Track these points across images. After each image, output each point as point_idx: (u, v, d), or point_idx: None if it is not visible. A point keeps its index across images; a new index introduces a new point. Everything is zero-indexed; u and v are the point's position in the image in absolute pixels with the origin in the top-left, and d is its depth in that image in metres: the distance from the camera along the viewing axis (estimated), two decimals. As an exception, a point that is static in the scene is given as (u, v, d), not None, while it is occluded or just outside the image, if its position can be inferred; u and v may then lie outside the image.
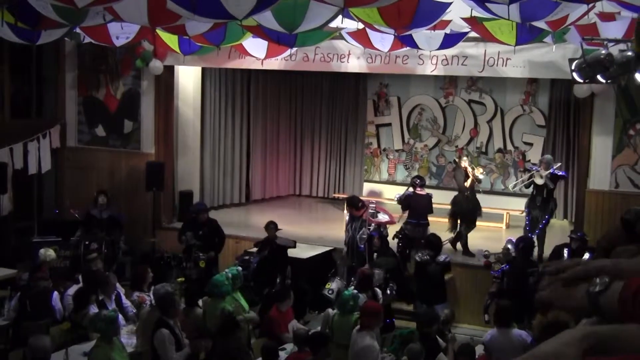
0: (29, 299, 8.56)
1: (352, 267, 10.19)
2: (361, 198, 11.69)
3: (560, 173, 11.42)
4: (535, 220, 11.18)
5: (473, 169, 11.61)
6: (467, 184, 11.58)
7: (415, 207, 11.25)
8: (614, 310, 1.26)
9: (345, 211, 10.94)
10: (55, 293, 8.72)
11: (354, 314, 7.54)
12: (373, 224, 10.52)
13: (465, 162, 11.71)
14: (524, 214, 11.52)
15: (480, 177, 11.59)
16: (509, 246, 9.71)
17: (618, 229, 1.54)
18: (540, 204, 11.16)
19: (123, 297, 8.78)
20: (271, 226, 10.71)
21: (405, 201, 11.40)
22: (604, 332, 1.19)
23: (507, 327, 7.46)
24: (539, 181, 11.06)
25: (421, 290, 10.00)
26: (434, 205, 11.49)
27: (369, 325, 7.10)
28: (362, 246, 10.33)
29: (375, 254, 10.32)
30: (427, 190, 11.68)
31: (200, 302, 8.28)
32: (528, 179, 11.35)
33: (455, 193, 12.01)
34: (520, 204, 13.23)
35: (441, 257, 9.89)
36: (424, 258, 9.88)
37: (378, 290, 8.88)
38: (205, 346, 7.34)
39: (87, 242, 11.48)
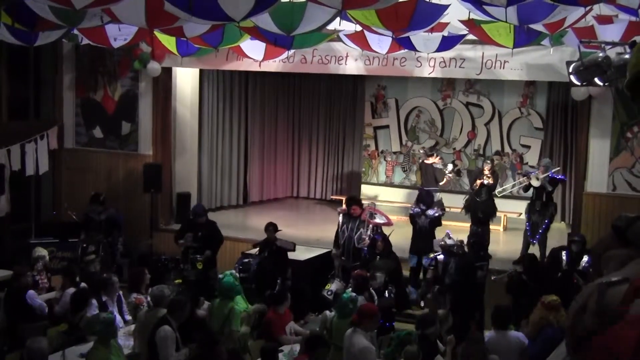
0: (4, 301, 8.54)
1: (349, 268, 10.16)
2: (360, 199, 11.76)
3: (559, 177, 11.42)
4: (535, 225, 11.17)
5: (489, 176, 11.62)
6: (476, 186, 11.67)
7: (424, 174, 12.90)
8: (616, 306, 1.27)
9: (341, 209, 10.92)
10: (31, 292, 8.64)
11: (352, 317, 7.53)
12: (371, 226, 10.52)
13: (486, 166, 11.80)
14: (525, 218, 11.51)
15: (485, 181, 11.57)
16: (447, 240, 10.03)
17: (611, 236, 1.54)
18: (540, 209, 11.15)
19: (123, 301, 8.80)
20: (270, 228, 10.68)
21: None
22: None
23: (504, 329, 7.47)
24: (535, 183, 11.06)
25: (412, 242, 10.96)
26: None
27: (360, 324, 7.08)
28: (366, 249, 10.31)
29: (378, 257, 10.31)
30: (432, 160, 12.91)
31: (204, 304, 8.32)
32: (522, 183, 11.38)
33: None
34: (517, 206, 13.25)
35: (430, 212, 10.85)
36: (415, 210, 10.96)
37: (373, 292, 8.87)
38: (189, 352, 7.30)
39: (85, 245, 11.47)
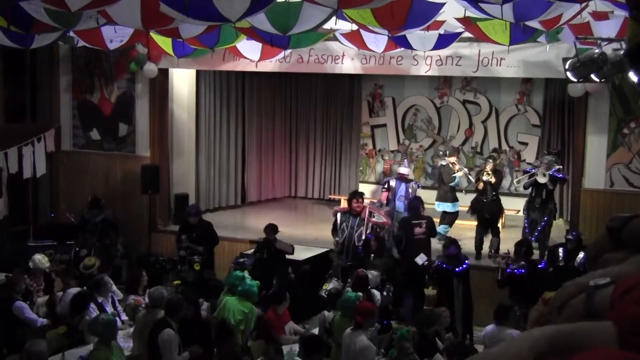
0: None
1: (349, 267, 10.16)
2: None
3: (560, 176, 11.37)
4: (534, 222, 11.12)
5: (490, 173, 11.53)
6: (480, 186, 11.61)
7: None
8: (605, 310, 1.25)
9: (338, 208, 10.91)
10: (18, 303, 8.39)
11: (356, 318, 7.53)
12: (370, 224, 10.53)
13: (487, 165, 11.70)
14: (524, 216, 11.48)
15: (484, 178, 11.52)
16: (402, 168, 11.91)
17: (605, 236, 1.51)
18: (539, 206, 11.12)
19: (117, 303, 8.79)
20: (269, 229, 10.67)
21: None
22: (563, 331, 1.17)
23: (501, 325, 7.58)
24: (542, 179, 10.99)
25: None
26: (428, 206, 11.64)
27: (362, 324, 7.10)
28: (360, 248, 10.31)
29: (372, 255, 10.31)
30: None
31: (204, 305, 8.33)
32: (529, 178, 11.29)
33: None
34: (515, 203, 13.27)
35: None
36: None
37: (375, 292, 8.86)
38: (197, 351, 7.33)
39: (77, 249, 11.45)
